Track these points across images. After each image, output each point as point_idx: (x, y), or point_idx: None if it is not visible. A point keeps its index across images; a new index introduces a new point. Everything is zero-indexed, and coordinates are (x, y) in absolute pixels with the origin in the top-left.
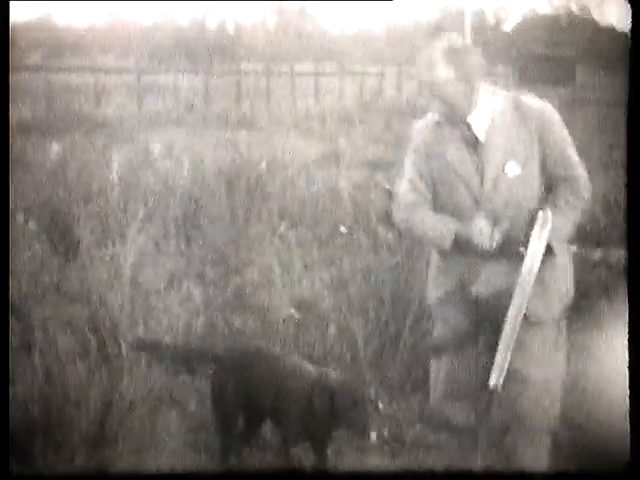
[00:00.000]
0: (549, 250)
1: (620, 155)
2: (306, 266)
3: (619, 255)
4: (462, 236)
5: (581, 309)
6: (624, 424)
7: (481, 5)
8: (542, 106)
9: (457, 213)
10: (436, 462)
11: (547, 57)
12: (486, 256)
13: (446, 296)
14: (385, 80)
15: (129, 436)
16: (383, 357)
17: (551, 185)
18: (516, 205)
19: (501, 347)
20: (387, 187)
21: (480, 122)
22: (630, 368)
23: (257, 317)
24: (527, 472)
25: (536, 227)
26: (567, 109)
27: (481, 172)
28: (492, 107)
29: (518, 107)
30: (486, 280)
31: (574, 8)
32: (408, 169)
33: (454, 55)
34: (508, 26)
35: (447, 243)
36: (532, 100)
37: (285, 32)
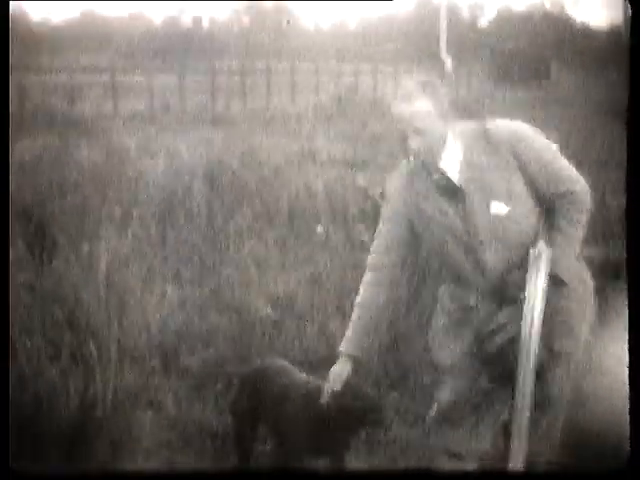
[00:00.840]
0: (560, 281)
1: (594, 153)
2: (283, 265)
3: (595, 253)
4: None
5: None
6: (624, 424)
7: (456, 1)
8: (512, 129)
9: (454, 270)
10: (412, 460)
11: (522, 55)
12: (490, 307)
13: (456, 361)
14: (360, 77)
15: (104, 436)
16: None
17: (550, 205)
18: (514, 242)
19: (515, 428)
20: (363, 185)
21: (452, 165)
22: (630, 368)
23: (234, 316)
24: (527, 472)
25: (530, 268)
26: (541, 107)
27: (466, 221)
28: (461, 145)
29: (487, 137)
30: (493, 335)
31: (548, 6)
32: (379, 234)
33: (430, 87)
34: (483, 23)
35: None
36: (501, 124)
37: (260, 30)
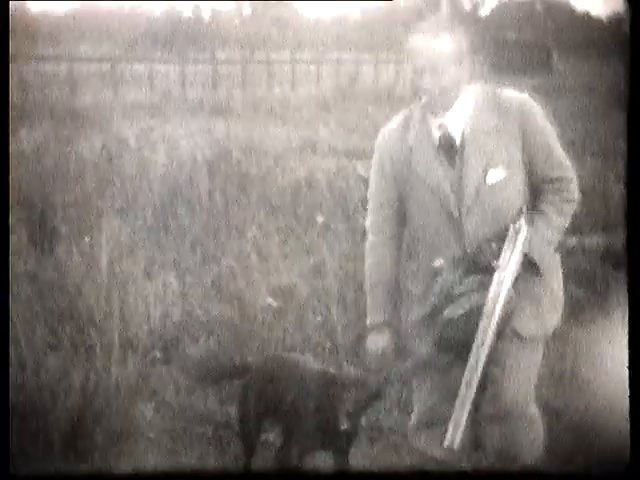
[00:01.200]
0: (532, 264)
1: (596, 142)
2: (284, 254)
3: (596, 242)
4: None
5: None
6: (624, 424)
7: None
8: (523, 99)
9: (431, 237)
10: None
11: (523, 44)
12: (460, 274)
13: (420, 320)
14: (362, 67)
15: (106, 426)
16: (362, 345)
17: (537, 188)
18: (499, 215)
19: (459, 400)
20: (364, 175)
21: (456, 121)
22: (630, 368)
23: (235, 306)
24: (527, 472)
25: (507, 242)
26: (543, 97)
27: (458, 185)
28: (469, 104)
29: (497, 102)
30: (458, 300)
31: None
32: (372, 194)
33: (454, 30)
34: (484, 12)
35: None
36: (511, 93)
37: (261, 19)
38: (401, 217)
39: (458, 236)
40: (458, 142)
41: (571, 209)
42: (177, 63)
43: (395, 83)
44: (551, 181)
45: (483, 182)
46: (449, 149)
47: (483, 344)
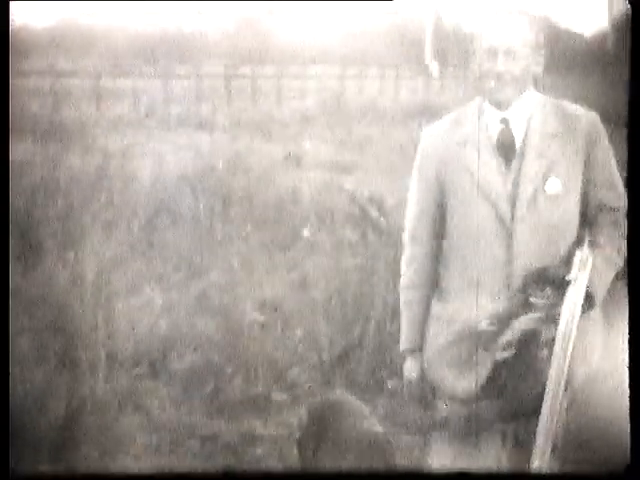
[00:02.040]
0: (590, 301)
1: None
2: (269, 268)
3: None
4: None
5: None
6: (624, 424)
7: (439, 6)
8: (592, 117)
9: (474, 246)
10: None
11: None
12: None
13: (446, 345)
14: (346, 82)
15: (91, 440)
16: (348, 358)
17: (592, 214)
18: (552, 232)
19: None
20: (349, 189)
21: (519, 119)
22: (630, 368)
23: (220, 320)
24: (527, 472)
25: (574, 270)
26: None
27: (513, 187)
28: (533, 104)
29: (564, 114)
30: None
31: (533, 10)
32: (412, 200)
33: (532, 19)
34: (468, 27)
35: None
36: (579, 109)
37: (246, 34)
38: (441, 226)
39: (506, 246)
40: (519, 140)
41: (624, 248)
42: (161, 77)
43: (379, 98)
44: (609, 210)
45: (541, 189)
46: (508, 146)
47: (559, 392)
